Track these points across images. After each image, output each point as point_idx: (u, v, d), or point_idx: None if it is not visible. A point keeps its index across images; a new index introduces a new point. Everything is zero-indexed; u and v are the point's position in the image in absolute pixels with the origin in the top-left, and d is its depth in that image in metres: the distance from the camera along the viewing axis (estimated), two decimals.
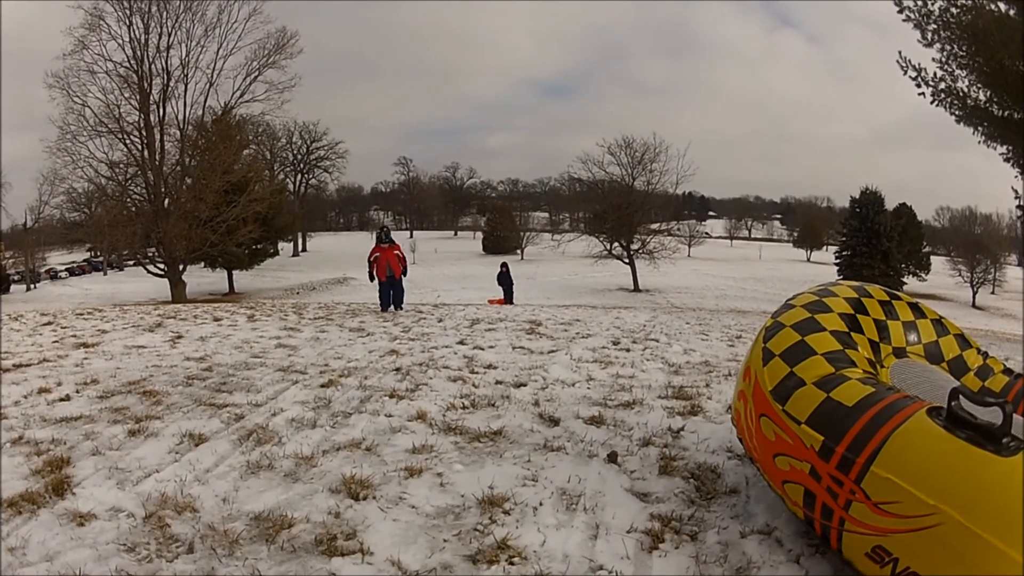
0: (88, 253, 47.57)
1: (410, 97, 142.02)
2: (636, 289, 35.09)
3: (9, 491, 2.36)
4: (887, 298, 2.47)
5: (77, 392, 3.87)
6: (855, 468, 1.66)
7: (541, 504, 2.31)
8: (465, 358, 5.23)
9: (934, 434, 1.59)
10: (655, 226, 38.68)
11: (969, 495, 1.44)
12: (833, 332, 2.17)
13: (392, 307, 9.92)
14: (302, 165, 60.21)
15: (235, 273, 34.01)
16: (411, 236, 62.42)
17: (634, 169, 38.16)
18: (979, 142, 13.72)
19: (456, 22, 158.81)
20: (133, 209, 25.39)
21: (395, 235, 11.33)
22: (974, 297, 41.63)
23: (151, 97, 24.62)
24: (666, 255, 36.76)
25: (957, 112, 13.54)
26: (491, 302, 16.61)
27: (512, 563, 1.93)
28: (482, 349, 5.75)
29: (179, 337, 6.43)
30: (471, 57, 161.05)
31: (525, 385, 4.20)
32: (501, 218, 63.36)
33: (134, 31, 24.16)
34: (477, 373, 4.61)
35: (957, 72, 13.27)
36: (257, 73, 26.21)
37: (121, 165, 24.96)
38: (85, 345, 5.77)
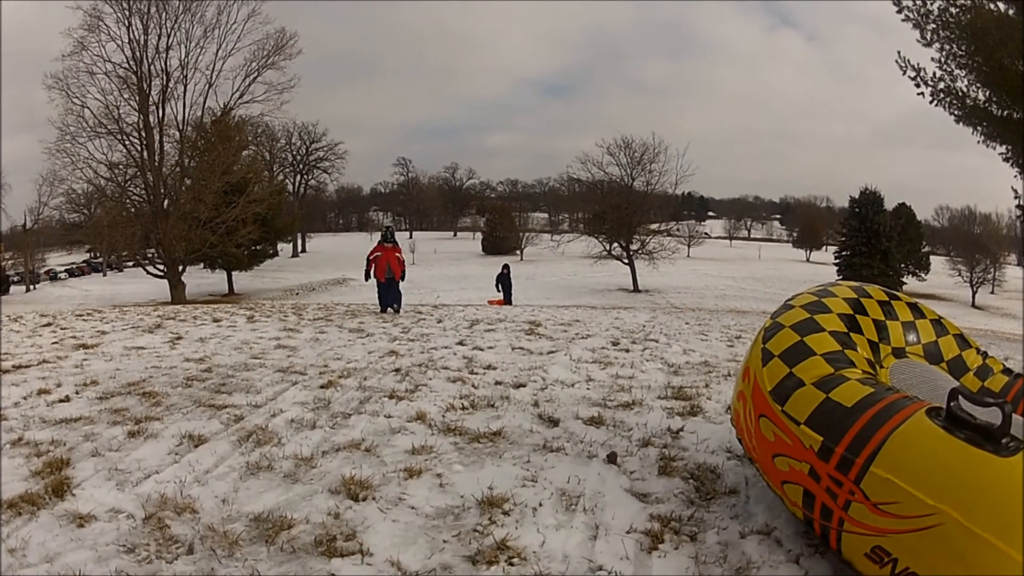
0: (87, 254, 47.56)
1: (410, 97, 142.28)
2: (635, 289, 35.10)
3: (9, 492, 2.35)
4: (886, 298, 2.47)
5: (77, 393, 3.86)
6: (854, 468, 1.67)
7: (541, 505, 2.31)
8: (464, 359, 5.23)
9: (933, 434, 1.59)
10: (654, 226, 38.69)
11: (969, 495, 1.44)
12: (832, 333, 2.17)
13: (391, 310, 9.81)
14: (301, 166, 60.25)
15: (234, 274, 34.02)
16: (411, 237, 62.36)
17: (633, 169, 38.18)
18: (978, 142, 13.74)
19: (456, 22, 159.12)
20: (132, 210, 25.40)
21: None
22: (973, 297, 41.66)
23: (150, 98, 24.64)
24: (665, 255, 36.76)
25: (956, 112, 13.55)
26: (491, 303, 16.64)
27: (512, 564, 1.93)
28: (481, 350, 5.75)
29: (179, 338, 6.43)
30: (471, 57, 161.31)
31: (524, 386, 4.20)
32: (500, 218, 63.36)
33: (133, 32, 24.21)
34: (476, 374, 4.61)
35: (956, 72, 13.28)
36: (256, 74, 26.25)
37: (120, 166, 24.98)
38: (85, 346, 5.76)
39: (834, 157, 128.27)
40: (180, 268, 25.24)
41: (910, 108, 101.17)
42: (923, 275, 46.70)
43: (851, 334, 2.22)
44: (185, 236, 24.40)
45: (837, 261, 42.08)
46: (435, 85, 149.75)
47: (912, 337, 2.43)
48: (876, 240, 39.38)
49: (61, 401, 3.69)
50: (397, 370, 4.69)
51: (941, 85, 13.42)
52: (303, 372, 4.58)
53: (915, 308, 2.52)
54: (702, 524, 2.20)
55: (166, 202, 25.30)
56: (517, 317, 9.34)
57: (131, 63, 24.25)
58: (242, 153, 28.76)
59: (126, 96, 24.21)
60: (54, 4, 24.55)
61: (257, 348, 5.80)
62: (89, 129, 23.64)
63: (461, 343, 6.19)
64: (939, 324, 2.53)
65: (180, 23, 24.83)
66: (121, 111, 24.13)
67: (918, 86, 13.56)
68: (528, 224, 70.73)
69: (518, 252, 55.26)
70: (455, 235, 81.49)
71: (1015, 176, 13.82)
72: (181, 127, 25.49)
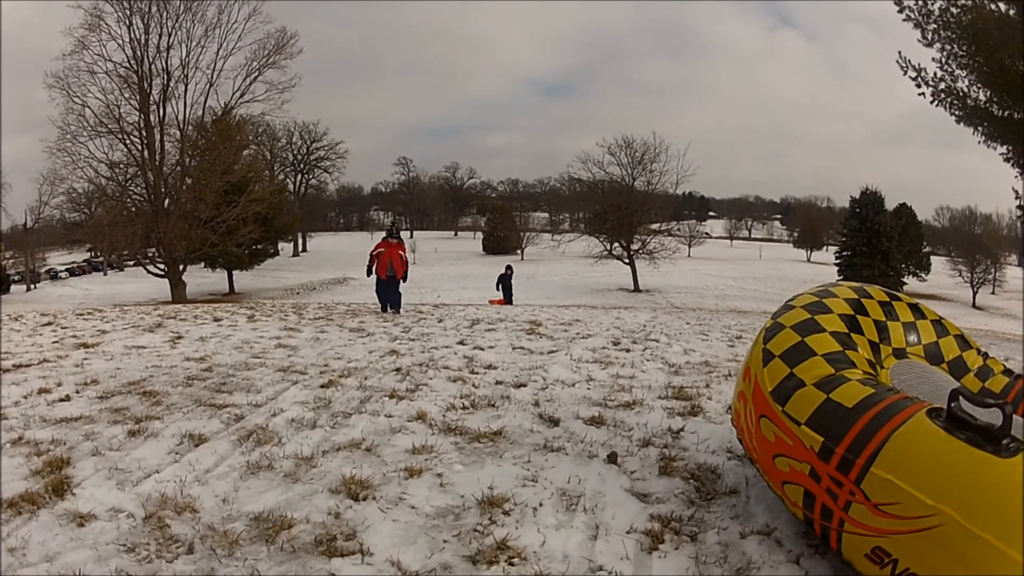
0: (88, 253, 47.59)
1: (410, 97, 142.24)
2: (636, 289, 35.10)
3: (9, 491, 2.35)
4: (887, 299, 2.47)
5: (77, 392, 3.87)
6: (855, 469, 1.66)
7: (541, 504, 2.31)
8: (465, 358, 5.23)
9: (934, 435, 1.59)
10: (655, 226, 38.71)
11: (969, 496, 1.44)
12: (833, 333, 2.17)
13: (390, 309, 9.70)
14: (302, 165, 60.26)
15: (235, 273, 34.05)
16: (411, 236, 62.35)
17: (634, 169, 38.20)
18: (979, 142, 13.75)
19: (456, 22, 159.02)
20: (133, 209, 25.44)
21: None
22: (974, 297, 41.64)
23: (151, 97, 24.67)
24: (666, 255, 36.78)
25: (957, 112, 13.56)
26: (491, 302, 16.67)
27: (512, 564, 1.93)
28: (482, 349, 5.75)
29: (179, 337, 6.43)
30: (471, 57, 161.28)
31: (525, 385, 4.20)
32: (501, 218, 63.38)
33: (134, 31, 24.24)
34: (477, 373, 4.61)
35: (957, 72, 13.30)
36: (257, 73, 26.30)
37: (121, 165, 25.02)
38: (85, 345, 5.77)
39: (834, 157, 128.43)
40: (181, 267, 25.27)
41: (910, 108, 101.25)
42: (924, 275, 46.70)
43: (852, 334, 2.22)
44: (186, 235, 24.43)
45: (838, 261, 42.08)
46: (435, 85, 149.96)
47: (913, 338, 2.43)
48: (877, 240, 39.37)
49: (61, 400, 3.69)
50: (398, 370, 4.69)
51: (942, 85, 13.43)
52: (304, 371, 4.58)
53: (916, 309, 2.52)
54: (702, 524, 2.19)
55: (167, 201, 25.34)
56: (518, 317, 9.34)
57: (132, 62, 24.31)
58: (243, 152, 28.80)
59: (127, 95, 24.27)
60: (54, 4, 24.60)
61: (258, 347, 5.80)
62: (90, 128, 23.70)
63: (462, 343, 6.19)
64: (940, 325, 2.53)
65: (181, 22, 24.89)
66: (122, 110, 24.22)
67: (919, 86, 13.57)
68: (529, 224, 70.72)
69: (519, 252, 55.28)
70: (456, 235, 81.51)
71: (1016, 176, 13.83)
72: (182, 126, 25.55)
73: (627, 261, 36.53)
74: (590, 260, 38.49)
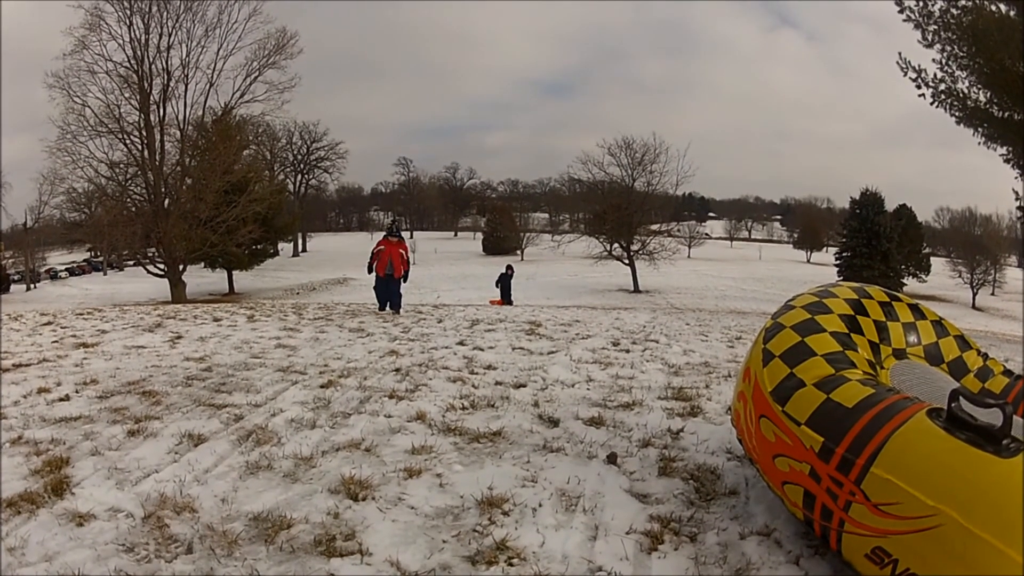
0: (88, 253, 47.63)
1: (410, 97, 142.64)
2: (636, 290, 35.12)
3: (8, 491, 2.35)
4: (887, 299, 2.47)
5: (76, 392, 3.86)
6: (855, 469, 1.66)
7: (540, 505, 2.30)
8: (465, 359, 5.23)
9: (934, 435, 1.59)
10: (655, 227, 38.73)
11: (969, 496, 1.44)
12: (833, 333, 2.17)
13: (389, 308, 9.62)
14: (302, 165, 60.32)
15: (235, 273, 34.06)
16: (411, 236, 62.28)
17: (634, 170, 38.26)
18: (979, 143, 13.76)
19: (456, 22, 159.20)
20: (133, 209, 25.45)
21: None
22: (974, 298, 41.67)
23: (151, 97, 24.69)
24: (666, 256, 36.80)
25: (957, 113, 13.58)
26: (492, 303, 16.68)
27: (511, 564, 1.93)
28: (482, 350, 5.75)
29: (179, 337, 6.43)
30: (471, 57, 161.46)
31: (525, 386, 4.20)
32: (501, 219, 63.42)
33: (134, 31, 24.27)
34: (477, 374, 4.61)
35: (957, 73, 13.31)
36: (257, 73, 26.34)
37: (121, 165, 25.04)
38: (85, 345, 5.76)
39: (834, 156, 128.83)
40: (180, 267, 25.28)
41: (910, 108, 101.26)
42: (923, 276, 46.71)
43: (852, 335, 2.22)
44: (186, 235, 24.44)
45: (838, 262, 42.09)
46: (435, 85, 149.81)
47: (913, 338, 2.43)
48: (877, 241, 39.39)
49: (61, 400, 3.68)
50: (397, 370, 4.69)
51: (942, 86, 13.45)
52: (303, 372, 4.57)
53: (916, 309, 2.52)
54: (702, 525, 2.19)
55: (167, 201, 25.35)
56: (517, 317, 9.34)
57: (132, 62, 24.33)
58: (243, 152, 28.82)
59: (127, 95, 24.30)
60: (54, 4, 24.60)
61: (257, 347, 5.79)
62: (90, 128, 23.73)
63: (461, 343, 6.19)
64: (940, 325, 2.53)
65: (181, 22, 24.93)
66: (122, 110, 24.25)
67: (919, 87, 13.59)
68: (529, 224, 70.73)
69: (519, 252, 55.29)
70: (456, 235, 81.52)
71: (1016, 177, 13.85)
72: (182, 126, 25.58)
73: (627, 262, 36.54)
74: (590, 261, 38.50)
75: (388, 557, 1.94)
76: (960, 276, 43.77)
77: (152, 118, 24.73)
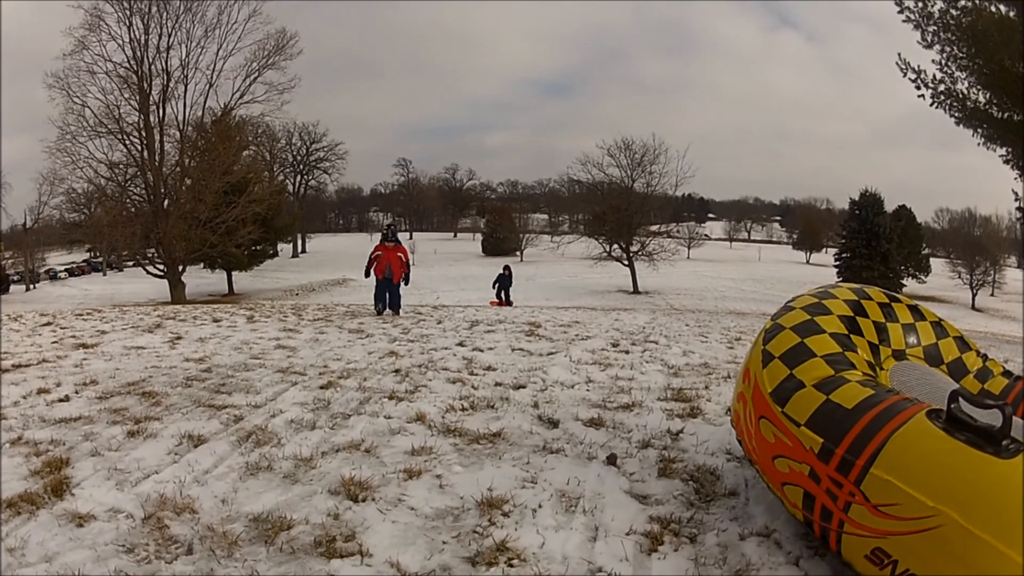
0: (87, 254, 47.61)
1: (410, 97, 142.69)
2: (635, 291, 35.11)
3: (8, 492, 2.35)
4: (886, 300, 2.47)
5: (76, 393, 3.86)
6: (854, 470, 1.66)
7: (540, 506, 2.30)
8: (464, 360, 5.23)
9: (934, 436, 1.59)
10: (654, 228, 38.71)
11: (969, 497, 1.44)
12: (833, 334, 2.17)
13: (388, 310, 9.48)
14: (301, 166, 60.32)
15: (234, 274, 34.04)
16: (411, 237, 62.33)
17: (634, 171, 38.20)
18: (979, 144, 13.76)
19: (456, 22, 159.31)
20: (132, 210, 25.43)
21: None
22: (973, 299, 41.68)
23: (151, 98, 24.68)
24: (665, 257, 36.77)
25: (957, 114, 13.58)
26: (492, 304, 16.70)
27: (511, 565, 1.93)
28: (481, 351, 5.75)
29: (178, 338, 6.43)
30: (470, 57, 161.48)
31: (524, 387, 4.20)
32: (500, 219, 63.37)
33: (134, 31, 24.25)
34: (476, 375, 4.61)
35: (957, 74, 13.31)
36: (257, 74, 26.31)
37: (121, 166, 25.03)
38: (84, 346, 5.76)
39: (834, 156, 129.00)
40: (180, 268, 25.26)
41: (910, 108, 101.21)
42: (923, 277, 46.72)
43: (851, 336, 2.22)
44: (185, 236, 24.42)
45: (837, 263, 42.09)
46: (435, 85, 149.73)
47: (912, 339, 2.43)
48: (876, 242, 39.39)
49: (60, 400, 3.68)
50: (397, 371, 4.69)
51: (942, 87, 13.45)
52: (303, 372, 4.57)
53: (915, 310, 2.52)
54: (702, 526, 2.19)
55: (166, 202, 25.33)
56: (517, 318, 9.34)
57: (132, 62, 24.31)
58: (242, 153, 28.80)
59: (127, 96, 24.28)
60: (54, 4, 24.61)
61: (257, 348, 5.79)
62: (89, 128, 23.71)
63: (461, 344, 6.18)
64: (939, 326, 2.53)
65: (181, 23, 24.90)
66: (122, 111, 24.23)
67: (919, 88, 13.59)
68: (528, 225, 70.74)
69: (518, 253, 55.29)
70: (455, 236, 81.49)
71: (1015, 178, 13.85)
72: (181, 127, 25.56)
73: (626, 263, 36.52)
74: (589, 262, 38.47)
75: (388, 558, 1.94)
76: (959, 277, 43.77)
77: (152, 119, 24.71)
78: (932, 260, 49.40)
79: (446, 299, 23.93)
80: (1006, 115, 13.01)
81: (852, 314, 2.32)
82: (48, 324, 7.81)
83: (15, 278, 38.28)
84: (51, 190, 26.51)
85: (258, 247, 32.43)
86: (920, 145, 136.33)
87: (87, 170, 24.10)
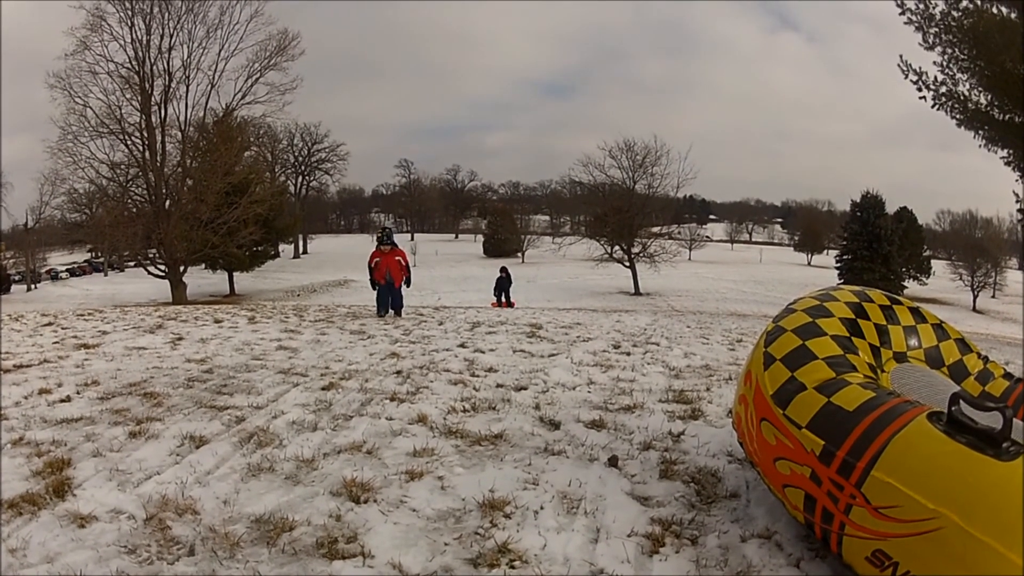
0: (89, 254, 47.68)
1: (410, 97, 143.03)
2: (637, 292, 35.08)
3: (9, 492, 2.35)
4: (888, 302, 2.47)
5: (78, 393, 3.87)
6: (856, 472, 1.67)
7: (542, 507, 2.31)
8: (466, 361, 5.23)
9: (935, 438, 1.59)
10: (656, 229, 38.73)
11: (969, 499, 1.44)
12: (834, 336, 2.17)
13: (391, 311, 9.47)
14: (303, 167, 60.38)
15: (236, 275, 34.06)
16: (412, 239, 62.33)
17: (635, 172, 38.18)
18: (980, 146, 13.76)
19: (456, 22, 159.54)
20: (134, 210, 25.48)
21: (396, 237, 10.26)
22: (975, 301, 41.63)
23: (152, 98, 24.73)
24: (667, 258, 36.75)
25: (958, 116, 13.58)
26: (494, 305, 16.72)
27: (513, 566, 1.93)
28: (483, 352, 5.75)
29: (180, 339, 6.43)
30: (470, 57, 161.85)
31: (526, 388, 4.20)
32: (502, 221, 63.41)
33: (136, 32, 24.31)
34: (478, 376, 4.61)
35: (958, 75, 13.32)
36: (259, 75, 26.37)
37: (122, 166, 25.09)
38: (86, 346, 5.77)
39: (835, 156, 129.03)
40: (181, 268, 25.29)
41: (910, 109, 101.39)
42: (924, 279, 46.69)
43: (853, 338, 2.22)
44: (186, 236, 24.46)
45: (838, 265, 42.08)
46: (435, 85, 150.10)
47: (913, 341, 2.43)
48: (877, 244, 39.38)
49: (62, 401, 3.69)
50: (398, 372, 4.69)
51: (943, 89, 13.45)
52: (304, 374, 4.58)
53: (916, 312, 2.52)
54: (703, 528, 2.20)
55: (168, 202, 25.37)
56: (518, 320, 9.34)
57: (133, 63, 24.36)
58: (244, 154, 28.83)
59: (128, 96, 24.33)
60: (54, 4, 24.67)
61: (258, 349, 5.80)
62: (91, 129, 23.77)
63: (462, 345, 6.19)
64: (940, 328, 2.53)
65: (183, 23, 24.96)
66: (123, 111, 24.29)
67: (920, 90, 13.60)
68: (530, 226, 70.75)
69: (520, 254, 55.30)
70: (457, 237, 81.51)
71: (1016, 180, 13.85)
72: (183, 127, 25.61)
73: (628, 264, 36.52)
74: (591, 263, 38.47)
75: (390, 559, 1.94)
76: (961, 279, 43.74)
77: (153, 119, 24.77)
78: (933, 262, 49.33)
79: (447, 300, 23.93)
80: (1007, 117, 13.02)
81: (853, 316, 2.32)
82: (49, 324, 7.82)
83: (16, 278, 38.34)
84: (52, 190, 26.60)
85: (259, 248, 32.47)
86: (920, 146, 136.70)
87: (89, 170, 24.20)
